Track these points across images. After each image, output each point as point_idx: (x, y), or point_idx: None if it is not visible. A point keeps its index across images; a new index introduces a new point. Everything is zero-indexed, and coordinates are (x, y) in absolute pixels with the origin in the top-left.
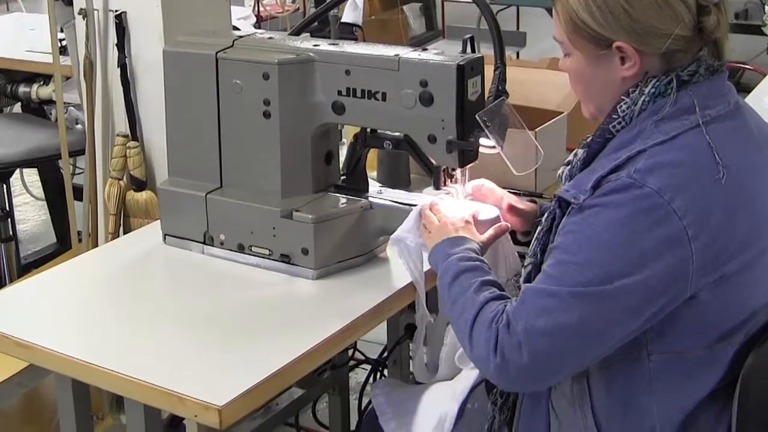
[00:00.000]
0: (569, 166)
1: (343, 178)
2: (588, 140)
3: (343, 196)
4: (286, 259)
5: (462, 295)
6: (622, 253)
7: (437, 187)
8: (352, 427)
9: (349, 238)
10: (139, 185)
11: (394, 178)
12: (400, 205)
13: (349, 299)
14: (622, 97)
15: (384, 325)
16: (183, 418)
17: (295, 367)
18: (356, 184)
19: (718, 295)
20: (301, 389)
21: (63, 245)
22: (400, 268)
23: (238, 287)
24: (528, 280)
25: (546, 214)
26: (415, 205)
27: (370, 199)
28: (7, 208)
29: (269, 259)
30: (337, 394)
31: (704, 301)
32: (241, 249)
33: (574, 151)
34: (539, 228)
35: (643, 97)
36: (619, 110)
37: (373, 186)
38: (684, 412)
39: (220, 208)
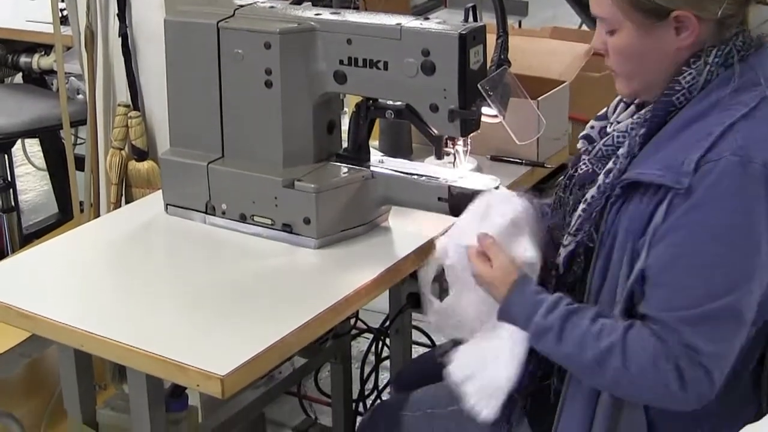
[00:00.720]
0: (622, 143)
1: (344, 147)
2: (646, 115)
3: (345, 165)
4: (288, 228)
5: (583, 347)
6: (754, 235)
7: (439, 157)
8: (355, 395)
9: (351, 208)
10: (140, 155)
11: (396, 148)
12: (402, 175)
13: (350, 268)
14: (684, 68)
15: (386, 294)
16: (185, 388)
17: (297, 336)
18: (358, 154)
19: None
20: (304, 358)
21: (65, 215)
22: (402, 237)
23: (240, 257)
24: (569, 259)
25: (594, 193)
26: (417, 174)
27: (372, 168)
28: (9, 179)
29: (271, 228)
30: (339, 363)
31: None
32: (243, 219)
33: (590, 124)
34: (583, 206)
35: (708, 67)
36: (683, 81)
37: (375, 155)
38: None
39: (221, 177)
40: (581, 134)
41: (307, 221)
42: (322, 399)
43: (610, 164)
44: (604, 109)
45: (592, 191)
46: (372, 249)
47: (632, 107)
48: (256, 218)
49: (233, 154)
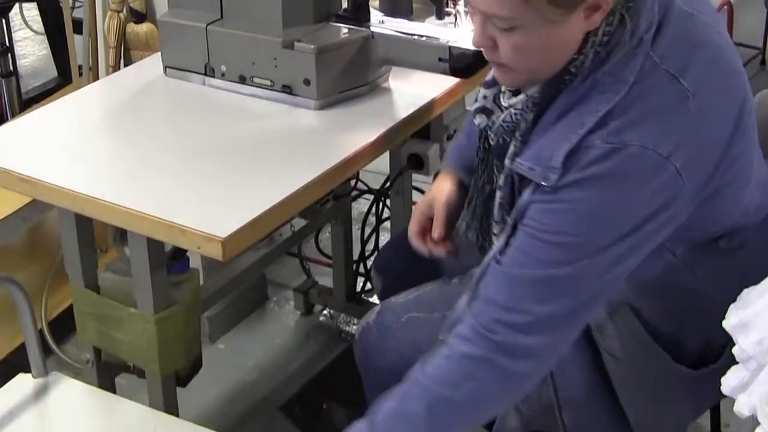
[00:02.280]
0: (510, 123)
1: (344, 7)
2: (534, 98)
3: (345, 26)
4: (287, 89)
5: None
6: (622, 219)
7: (440, 17)
8: (355, 256)
9: (351, 68)
10: (138, 17)
11: (397, 8)
12: (403, 35)
13: (351, 129)
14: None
15: (386, 155)
16: (186, 250)
17: (298, 197)
18: (358, 14)
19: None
20: (304, 220)
21: (64, 79)
22: (402, 98)
23: (240, 118)
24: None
25: (502, 180)
26: (417, 35)
27: (372, 28)
28: (7, 44)
29: (271, 89)
30: (340, 224)
31: (710, 198)
32: (242, 80)
33: (482, 93)
34: (499, 193)
35: (592, 44)
36: (573, 64)
37: (375, 15)
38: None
39: (220, 39)
40: (475, 107)
41: (306, 82)
42: (323, 260)
43: (511, 146)
44: (491, 72)
45: (501, 177)
46: (372, 110)
47: None
48: (255, 80)
49: (232, 14)
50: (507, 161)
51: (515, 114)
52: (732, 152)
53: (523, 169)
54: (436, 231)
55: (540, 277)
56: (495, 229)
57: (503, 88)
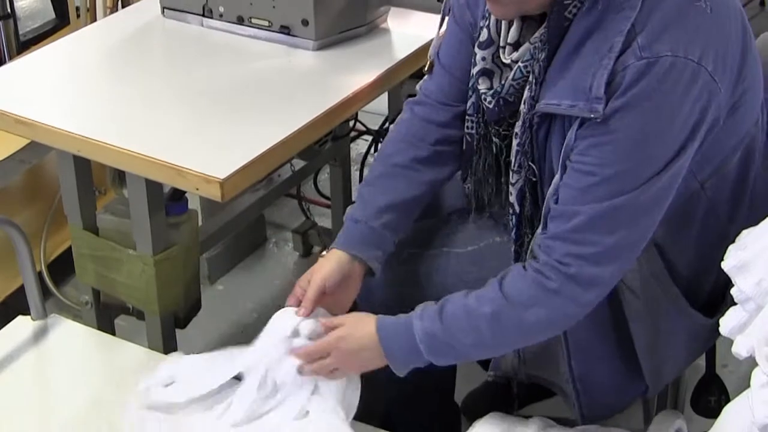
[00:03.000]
0: (521, 79)
1: None
2: (542, 37)
3: None
4: (285, 30)
5: (475, 327)
6: (671, 131)
7: None
8: (353, 197)
9: (350, 8)
10: None
11: None
12: None
13: (350, 70)
14: None
15: (385, 96)
16: (185, 192)
17: (296, 138)
18: None
19: (744, 100)
20: (303, 161)
21: (61, 21)
22: (401, 38)
23: (238, 59)
24: (522, 196)
25: (520, 126)
26: None
27: None
28: None
29: (269, 30)
30: (339, 165)
31: (735, 109)
32: (240, 21)
33: (480, 55)
34: (516, 140)
35: None
36: None
37: None
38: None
39: None
40: (476, 70)
41: (305, 23)
42: (322, 201)
43: (526, 92)
44: (485, 33)
45: (518, 125)
46: (371, 50)
47: (516, 23)
48: (253, 20)
49: None
50: (523, 108)
51: (524, 66)
52: (750, 54)
53: (560, 108)
54: (302, 310)
55: (604, 210)
56: (512, 178)
57: (501, 42)
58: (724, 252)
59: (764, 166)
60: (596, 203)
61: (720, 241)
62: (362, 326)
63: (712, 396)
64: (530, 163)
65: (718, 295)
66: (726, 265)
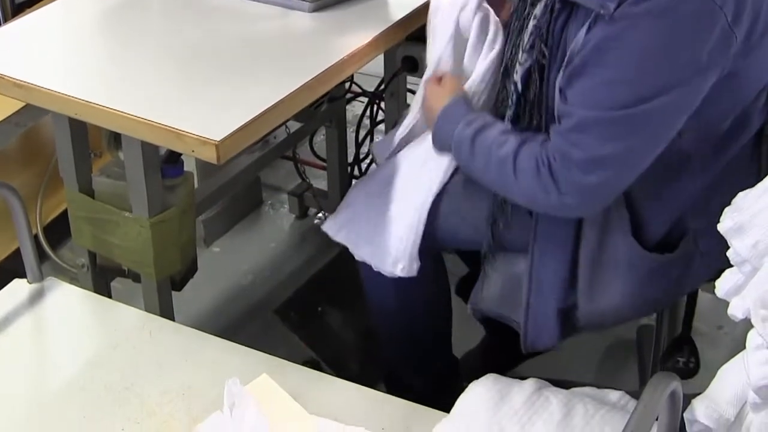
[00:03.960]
0: None
1: None
2: None
3: None
4: None
5: (488, 157)
6: (677, 59)
7: None
8: (350, 159)
9: None
10: None
11: None
12: None
13: (346, 31)
14: None
15: (381, 57)
16: (181, 154)
17: (292, 100)
18: None
19: (746, 65)
20: (298, 123)
21: None
22: (397, 0)
23: (234, 21)
24: (527, 77)
25: (540, 9)
26: None
27: None
28: None
29: None
30: (334, 127)
31: (735, 73)
32: None
33: None
34: (533, 22)
35: None
36: None
37: None
38: (715, 180)
39: None
40: None
41: None
42: (318, 163)
43: None
44: None
45: (539, 6)
46: (367, 12)
47: None
48: None
49: None
50: None
51: None
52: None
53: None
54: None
55: (597, 117)
56: (522, 58)
57: None
58: (684, 204)
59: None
60: (592, 109)
61: (684, 192)
62: (441, 98)
63: (682, 357)
64: (543, 45)
65: (666, 242)
66: (722, 227)
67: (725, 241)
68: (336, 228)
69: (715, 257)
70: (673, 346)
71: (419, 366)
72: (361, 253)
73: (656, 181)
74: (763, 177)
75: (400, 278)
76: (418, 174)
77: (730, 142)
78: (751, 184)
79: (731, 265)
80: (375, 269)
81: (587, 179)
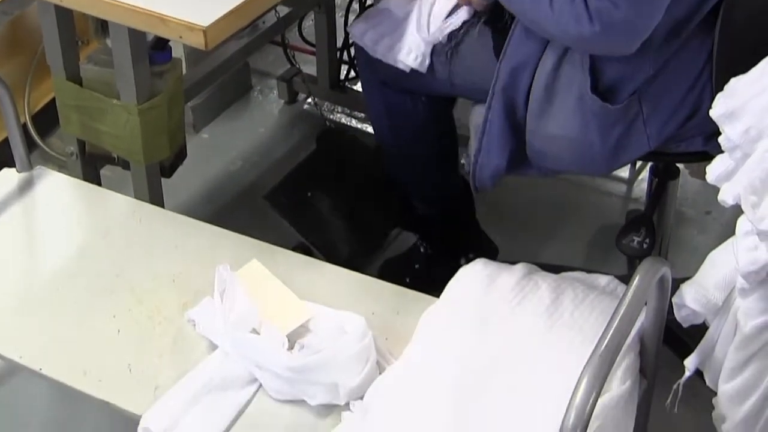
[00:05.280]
0: None
1: None
2: None
3: None
4: None
5: None
6: None
7: None
8: (338, 44)
9: None
10: None
11: None
12: None
13: None
14: None
15: None
16: (168, 40)
17: None
18: None
19: None
20: (287, 7)
21: None
22: None
23: None
24: None
25: None
26: None
27: None
28: None
29: None
30: (323, 11)
31: None
32: None
33: None
34: None
35: None
36: None
37: None
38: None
39: None
40: None
41: None
42: (306, 48)
43: None
44: None
45: None
46: None
47: None
48: None
49: None
50: None
51: None
52: None
53: None
54: None
55: None
56: None
57: None
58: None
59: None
60: None
61: (640, 62)
62: None
63: (638, 236)
64: None
65: (613, 97)
66: (714, 112)
67: (666, 119)
68: (362, 31)
69: (655, 131)
70: (631, 224)
71: (426, 189)
72: (379, 48)
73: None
74: (712, 61)
75: (396, 103)
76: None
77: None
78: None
79: (670, 152)
80: (391, 62)
81: (615, 13)
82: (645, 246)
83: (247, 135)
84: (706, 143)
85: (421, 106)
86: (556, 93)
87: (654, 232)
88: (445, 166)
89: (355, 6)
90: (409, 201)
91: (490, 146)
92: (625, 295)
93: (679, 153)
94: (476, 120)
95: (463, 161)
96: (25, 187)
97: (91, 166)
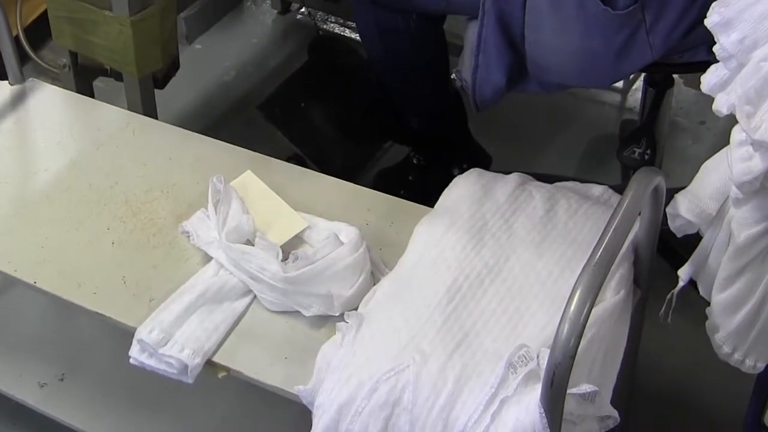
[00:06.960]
0: None
1: None
2: None
3: None
4: None
5: None
6: None
7: None
8: None
9: None
10: None
11: None
12: None
13: None
14: None
15: None
16: None
17: None
18: None
19: None
20: None
21: None
22: None
23: None
24: None
25: None
26: None
27: None
28: None
29: None
30: None
31: None
32: None
33: None
34: None
35: None
36: None
37: None
38: None
39: None
40: None
41: None
42: None
43: None
44: None
45: None
46: None
47: None
48: None
49: None
50: None
51: None
52: None
53: None
54: None
55: None
56: None
57: None
58: None
59: None
60: None
61: None
62: None
63: (639, 148)
64: None
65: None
66: (708, 21)
67: (670, 29)
68: None
69: (659, 41)
70: (631, 136)
71: (418, 103)
72: None
73: None
74: None
75: (387, 22)
76: None
77: None
78: None
79: (673, 62)
80: None
81: None
82: (646, 157)
83: (240, 46)
84: (711, 53)
85: (413, 24)
86: (555, 0)
87: (655, 143)
88: (437, 80)
89: None
90: (402, 114)
91: (487, 63)
92: (619, 205)
93: (682, 63)
94: (471, 37)
95: (453, 76)
96: (18, 99)
97: (83, 78)
